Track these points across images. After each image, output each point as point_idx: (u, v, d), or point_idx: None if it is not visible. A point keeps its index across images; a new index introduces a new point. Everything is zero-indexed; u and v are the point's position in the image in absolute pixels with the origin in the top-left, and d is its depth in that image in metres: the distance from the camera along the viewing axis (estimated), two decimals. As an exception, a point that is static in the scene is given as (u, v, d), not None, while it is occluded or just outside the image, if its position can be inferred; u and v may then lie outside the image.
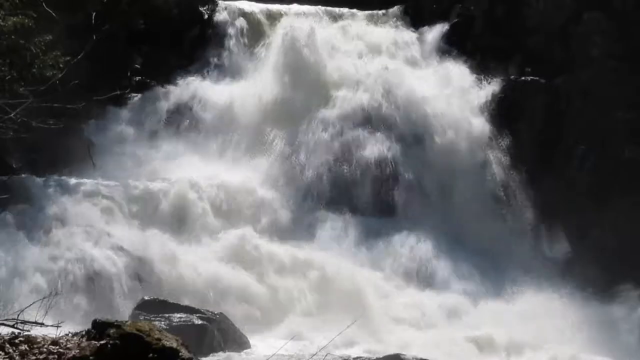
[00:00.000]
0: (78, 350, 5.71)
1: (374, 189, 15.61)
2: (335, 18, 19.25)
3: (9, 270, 11.88)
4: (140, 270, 12.72)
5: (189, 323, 10.78)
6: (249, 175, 15.48)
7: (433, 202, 15.45)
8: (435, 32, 18.20)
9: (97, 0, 17.01)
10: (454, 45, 17.80)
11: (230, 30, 18.61)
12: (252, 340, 11.46)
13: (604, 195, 14.03)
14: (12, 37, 6.41)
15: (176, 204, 14.21)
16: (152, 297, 11.77)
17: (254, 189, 15.13)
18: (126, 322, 6.14)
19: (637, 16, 15.14)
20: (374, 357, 10.29)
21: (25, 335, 6.14)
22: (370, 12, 19.49)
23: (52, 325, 7.17)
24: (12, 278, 11.75)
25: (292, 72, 17.21)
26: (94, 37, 15.55)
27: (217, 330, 11.02)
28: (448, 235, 14.79)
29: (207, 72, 17.81)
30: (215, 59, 18.09)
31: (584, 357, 11.74)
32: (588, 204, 14.16)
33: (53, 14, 9.33)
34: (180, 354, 5.69)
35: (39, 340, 5.97)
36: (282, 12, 19.36)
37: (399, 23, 18.96)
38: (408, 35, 18.51)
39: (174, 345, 5.76)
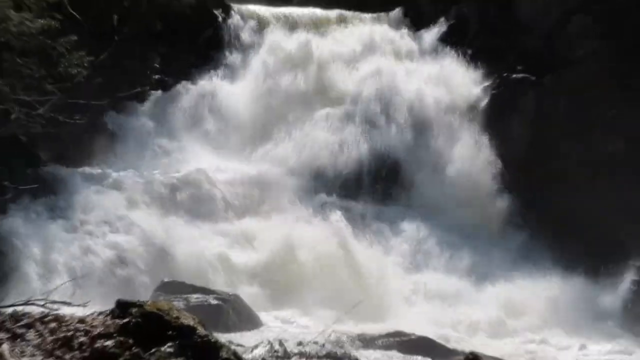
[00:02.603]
0: (103, 328, 5.72)
1: (375, 179, 15.64)
2: (339, 20, 19.20)
3: (39, 255, 11.91)
4: (160, 253, 12.79)
5: (206, 303, 10.85)
6: (260, 166, 15.51)
7: (428, 192, 15.41)
8: (433, 33, 18.18)
9: (119, 3, 17.05)
10: (451, 45, 17.74)
11: (242, 31, 18.62)
12: (264, 318, 11.50)
13: (589, 186, 13.99)
14: (40, 37, 6.42)
15: (193, 193, 14.27)
16: (171, 279, 11.86)
17: (265, 179, 15.17)
18: (147, 302, 6.15)
19: (620, 19, 15.07)
20: (377, 334, 10.28)
21: (54, 314, 6.15)
22: (372, 14, 19.46)
23: (78, 305, 7.17)
24: (42, 262, 11.80)
25: (301, 71, 17.25)
26: (116, 39, 15.65)
27: (232, 310, 11.10)
28: (440, 223, 14.78)
29: (221, 70, 17.80)
30: (229, 59, 18.06)
31: (567, 335, 11.83)
32: (573, 194, 14.10)
33: (77, 16, 9.32)
34: (197, 331, 5.70)
35: (67, 318, 5.98)
36: (292, 15, 19.37)
37: (399, 24, 18.94)
38: (408, 35, 18.48)
39: (191, 323, 5.76)
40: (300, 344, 8.56)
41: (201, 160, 15.24)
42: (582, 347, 11.38)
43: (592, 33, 15.68)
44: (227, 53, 18.23)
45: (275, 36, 18.46)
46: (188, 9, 18.71)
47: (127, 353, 5.65)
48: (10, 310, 6.60)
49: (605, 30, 15.38)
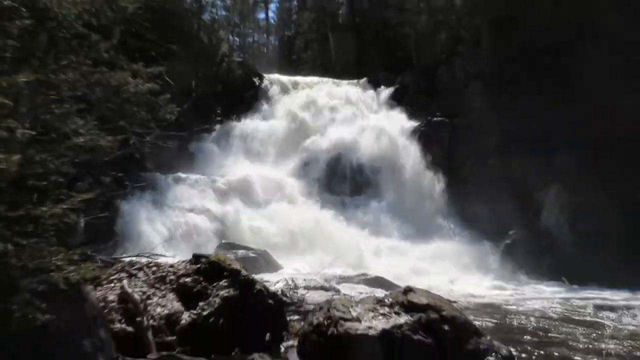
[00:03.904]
0: (184, 270, 5.78)
1: (351, 181, 15.59)
2: (327, 84, 19.29)
3: (146, 227, 11.95)
4: (220, 225, 12.79)
5: (247, 255, 10.84)
6: (280, 172, 15.48)
7: (385, 188, 15.37)
8: (386, 93, 18.29)
9: (195, 73, 17.12)
10: (397, 100, 17.86)
11: (271, 91, 18.72)
12: (282, 265, 11.49)
13: (480, 186, 13.99)
14: (147, 95, 6.43)
15: (240, 188, 14.22)
16: (226, 241, 11.87)
17: (284, 180, 15.13)
18: (211, 255, 6.21)
19: (499, 84, 15.13)
20: (351, 275, 10.29)
21: (155, 262, 6.20)
22: (348, 80, 19.58)
23: (170, 256, 7.20)
24: (148, 231, 11.84)
25: (306, 113, 17.26)
26: (193, 95, 15.75)
27: (263, 260, 11.11)
28: (392, 206, 14.75)
29: (258, 114, 17.80)
30: (262, 107, 18.09)
31: (469, 276, 11.76)
32: (472, 191, 14.12)
33: (170, 82, 9.34)
34: (241, 273, 5.75)
35: (162, 264, 6.04)
36: (300, 81, 19.50)
37: (365, 87, 19.05)
38: (371, 94, 18.55)
39: (238, 267, 5.82)
40: (304, 280, 8.61)
41: (244, 169, 15.16)
42: (477, 283, 11.34)
43: (482, 93, 15.71)
44: (261, 104, 18.26)
45: (290, 92, 18.58)
46: (239, 78, 18.87)
47: (198, 286, 5.71)
48: (128, 259, 6.66)
49: (490, 91, 15.44)
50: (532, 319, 7.38)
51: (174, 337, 5.13)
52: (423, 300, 5.27)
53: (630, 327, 6.89)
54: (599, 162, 12.57)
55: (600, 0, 14.31)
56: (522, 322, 7.18)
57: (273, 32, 35.78)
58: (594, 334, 6.52)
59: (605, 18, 13.78)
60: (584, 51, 13.55)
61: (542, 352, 5.68)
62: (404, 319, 5.04)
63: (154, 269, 5.81)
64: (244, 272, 5.72)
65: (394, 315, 5.10)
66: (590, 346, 5.97)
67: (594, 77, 13.43)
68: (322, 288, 8.15)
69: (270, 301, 5.69)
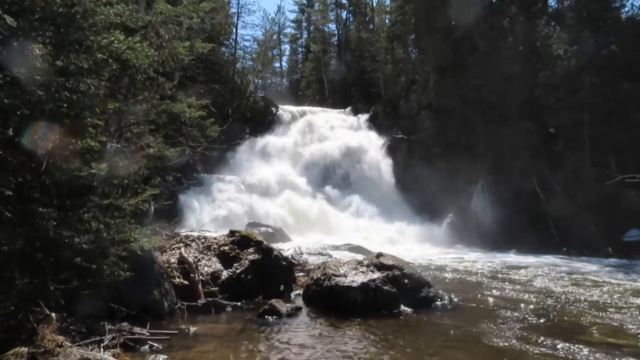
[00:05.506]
0: (223, 241, 5.75)
1: (342, 178, 15.47)
2: (322, 112, 19.14)
3: (198, 212, 11.86)
4: (249, 210, 12.70)
5: (267, 231, 10.76)
6: (291, 172, 15.31)
7: (361, 183, 15.23)
8: (364, 118, 18.20)
9: (231, 104, 17.02)
10: (372, 122, 17.74)
11: (284, 117, 18.58)
12: (292, 237, 11.40)
13: (427, 182, 13.88)
14: (198, 119, 6.42)
15: (262, 183, 14.12)
16: (253, 221, 11.76)
17: (294, 177, 14.98)
18: (242, 230, 6.18)
19: (443, 111, 15.09)
20: (339, 244, 10.17)
21: (203, 235, 6.15)
22: (337, 109, 19.51)
23: (213, 232, 7.14)
24: (199, 215, 11.74)
25: (307, 132, 17.14)
26: (230, 119, 15.67)
27: (278, 234, 11.03)
28: (368, 197, 14.61)
29: (274, 132, 17.66)
30: (277, 128, 17.94)
31: (422, 245, 11.72)
32: (422, 187, 14.02)
33: (214, 110, 9.29)
34: (263, 243, 5.72)
35: (208, 237, 6.00)
36: (304, 110, 19.35)
37: (349, 114, 18.95)
38: (353, 119, 18.45)
39: (261, 239, 5.79)
40: (307, 248, 8.59)
41: (264, 170, 14.99)
42: (428, 250, 11.24)
43: (430, 118, 15.69)
44: (277, 125, 18.10)
45: (297, 118, 18.47)
46: (261, 108, 18.75)
47: (233, 252, 5.65)
48: (184, 233, 6.60)
49: (435, 117, 15.41)
50: (466, 275, 7.35)
51: (217, 288, 5.15)
52: (390, 262, 5.29)
53: (537, 283, 6.90)
54: (508, 167, 12.66)
55: (506, 55, 14.39)
56: (460, 277, 7.16)
57: (285, 76, 35.84)
58: (511, 286, 6.52)
59: (511, 68, 13.90)
60: (499, 90, 13.63)
61: (473, 298, 5.68)
62: (376, 274, 5.06)
63: (203, 240, 5.81)
64: (265, 243, 5.72)
65: (369, 272, 5.12)
66: (509, 294, 5.98)
67: (509, 108, 13.50)
68: (319, 253, 8.13)
69: (284, 262, 5.70)
